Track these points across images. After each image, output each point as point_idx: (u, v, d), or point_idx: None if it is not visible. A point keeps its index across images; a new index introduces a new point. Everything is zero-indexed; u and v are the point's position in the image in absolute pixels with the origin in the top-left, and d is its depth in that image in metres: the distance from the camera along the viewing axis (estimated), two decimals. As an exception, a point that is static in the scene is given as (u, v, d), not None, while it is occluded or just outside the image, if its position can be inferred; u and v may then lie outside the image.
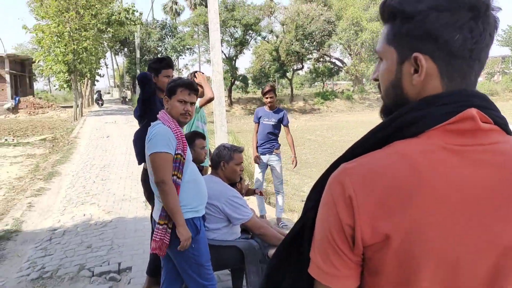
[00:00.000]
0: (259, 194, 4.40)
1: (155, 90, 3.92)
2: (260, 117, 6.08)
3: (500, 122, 0.89)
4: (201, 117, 4.81)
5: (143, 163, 3.92)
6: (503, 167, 0.84)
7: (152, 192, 3.05)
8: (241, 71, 43.23)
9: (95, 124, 23.06)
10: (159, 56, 44.20)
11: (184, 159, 2.86)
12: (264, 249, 3.45)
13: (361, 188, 0.85)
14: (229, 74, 36.75)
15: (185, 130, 4.61)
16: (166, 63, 3.98)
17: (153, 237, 2.81)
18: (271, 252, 3.44)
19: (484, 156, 0.85)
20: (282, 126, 6.12)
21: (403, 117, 0.89)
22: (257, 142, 6.13)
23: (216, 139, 8.29)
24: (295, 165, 6.21)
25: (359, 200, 0.85)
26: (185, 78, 3.34)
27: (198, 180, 2.97)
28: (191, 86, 3.01)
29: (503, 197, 0.82)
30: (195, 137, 3.83)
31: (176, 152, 2.83)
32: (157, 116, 2.99)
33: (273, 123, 5.98)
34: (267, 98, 6.00)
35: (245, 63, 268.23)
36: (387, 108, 1.00)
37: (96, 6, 24.90)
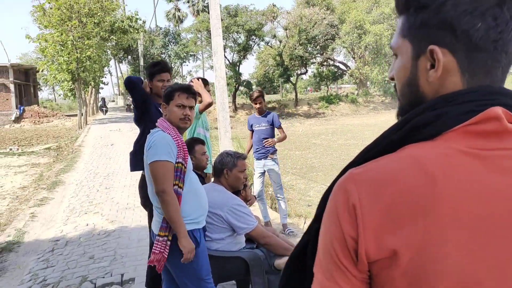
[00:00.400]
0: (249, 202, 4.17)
1: (146, 93, 3.82)
2: (252, 125, 6.08)
3: None
4: (202, 123, 4.71)
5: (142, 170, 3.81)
6: None
7: (148, 198, 2.95)
8: (245, 76, 43.33)
9: (99, 132, 23.05)
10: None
11: (185, 167, 2.76)
12: (270, 259, 3.33)
13: (367, 196, 0.75)
14: (233, 80, 36.74)
15: (187, 136, 4.51)
16: (159, 67, 3.86)
17: (153, 249, 2.70)
18: (278, 262, 3.33)
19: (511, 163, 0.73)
20: (276, 129, 6.07)
21: (417, 118, 0.79)
22: (251, 148, 6.15)
23: (220, 145, 8.20)
24: (269, 143, 5.90)
25: (363, 209, 0.74)
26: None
27: (199, 189, 2.86)
28: (189, 90, 2.92)
29: None
30: (194, 144, 3.74)
31: (177, 161, 2.73)
32: (156, 124, 2.90)
33: (264, 128, 5.95)
34: (256, 103, 5.99)
35: (249, 68, 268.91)
36: (403, 109, 0.89)
37: (99, 14, 24.93)
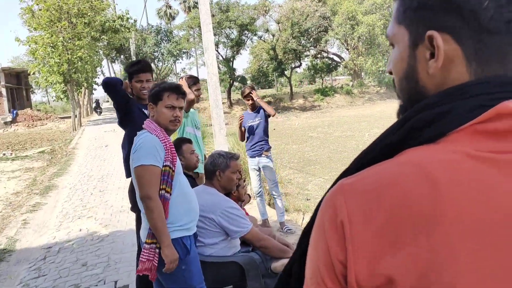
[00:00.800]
0: (244, 202, 4.07)
1: (127, 94, 3.65)
2: (247, 121, 5.95)
3: None
4: (191, 122, 4.55)
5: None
6: None
7: (136, 202, 2.81)
8: (239, 71, 43.08)
9: (94, 133, 22.87)
10: (155, 61, 44.10)
11: (173, 171, 2.61)
12: (266, 262, 3.20)
13: (357, 211, 0.62)
14: (228, 76, 36.55)
15: (177, 136, 4.36)
16: (138, 67, 3.69)
17: (140, 258, 2.56)
18: (274, 265, 3.19)
19: None
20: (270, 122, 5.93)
21: (417, 116, 0.65)
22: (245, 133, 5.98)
23: (215, 143, 8.04)
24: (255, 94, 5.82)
25: (353, 228, 0.62)
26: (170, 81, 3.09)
27: (189, 194, 2.71)
28: (178, 90, 2.77)
29: None
30: (180, 144, 3.60)
31: (164, 164, 2.58)
32: (143, 126, 2.75)
33: (258, 121, 5.82)
34: (248, 100, 5.86)
35: (242, 63, 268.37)
36: (403, 108, 0.76)
37: (89, 14, 24.61)
